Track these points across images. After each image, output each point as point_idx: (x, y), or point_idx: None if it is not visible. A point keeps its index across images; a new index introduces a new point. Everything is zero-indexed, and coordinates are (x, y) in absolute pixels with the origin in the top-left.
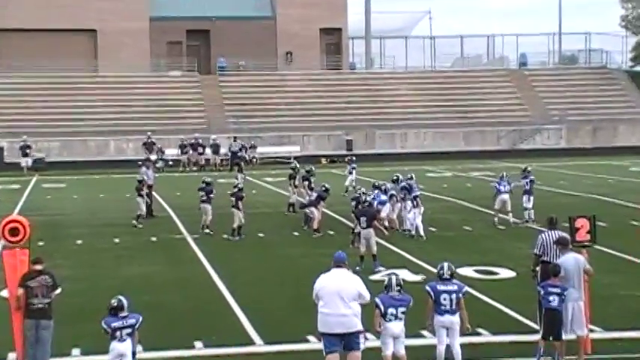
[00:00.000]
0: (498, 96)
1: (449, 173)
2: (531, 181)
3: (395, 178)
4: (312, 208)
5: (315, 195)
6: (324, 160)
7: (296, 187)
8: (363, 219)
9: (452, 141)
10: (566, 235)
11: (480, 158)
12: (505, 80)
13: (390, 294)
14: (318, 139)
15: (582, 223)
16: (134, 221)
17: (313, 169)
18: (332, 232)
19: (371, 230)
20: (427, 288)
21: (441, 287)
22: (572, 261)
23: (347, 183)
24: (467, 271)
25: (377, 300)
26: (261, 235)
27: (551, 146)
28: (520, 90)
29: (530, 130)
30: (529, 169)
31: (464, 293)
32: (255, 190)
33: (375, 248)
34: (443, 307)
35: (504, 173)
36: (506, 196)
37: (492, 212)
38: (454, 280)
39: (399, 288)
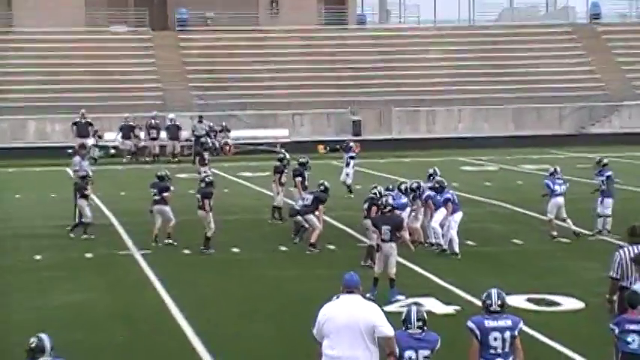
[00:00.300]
0: (561, 61)
1: (493, 166)
2: (608, 178)
3: (432, 172)
4: (309, 216)
5: (310, 197)
6: (322, 149)
7: (283, 185)
8: (386, 228)
9: (497, 122)
10: None
11: (536, 146)
12: (570, 39)
13: (409, 331)
14: (315, 119)
15: None
16: (71, 232)
17: (308, 161)
18: (332, 247)
19: (394, 245)
20: (470, 325)
21: (489, 323)
22: None
23: (342, 178)
24: (517, 301)
25: None
26: (235, 250)
27: (633, 129)
28: (591, 52)
29: (605, 107)
30: (605, 161)
31: (520, 331)
32: (227, 188)
33: (394, 270)
34: (493, 351)
35: (556, 167)
36: (561, 199)
37: (547, 219)
38: (506, 314)
39: (421, 324)
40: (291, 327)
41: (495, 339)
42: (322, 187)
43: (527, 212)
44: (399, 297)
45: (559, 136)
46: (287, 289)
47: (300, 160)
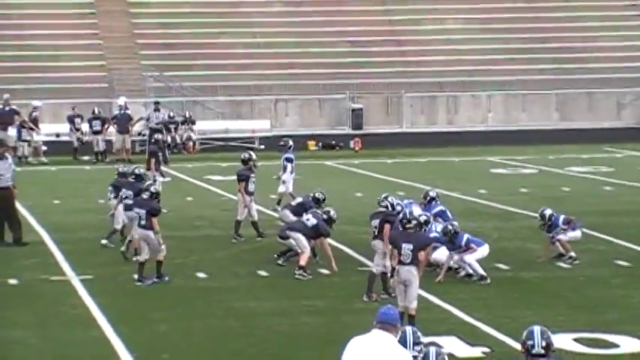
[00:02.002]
0: (620, 33)
1: (532, 169)
2: None
3: (433, 195)
4: (298, 235)
5: (311, 219)
6: (313, 145)
7: (249, 193)
8: (407, 247)
9: (537, 112)
10: None
11: (587, 142)
12: (633, 5)
13: None
14: (303, 107)
15: None
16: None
17: (252, 156)
18: (326, 272)
19: (415, 270)
20: None
21: None
22: None
23: (280, 190)
24: (563, 341)
25: None
26: (200, 275)
27: None
28: None
29: None
30: None
31: None
32: (191, 196)
33: (415, 303)
34: None
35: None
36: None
37: (603, 237)
38: (553, 358)
39: None
40: None
41: None
42: (326, 216)
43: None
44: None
45: (617, 130)
46: (265, 325)
47: (243, 156)
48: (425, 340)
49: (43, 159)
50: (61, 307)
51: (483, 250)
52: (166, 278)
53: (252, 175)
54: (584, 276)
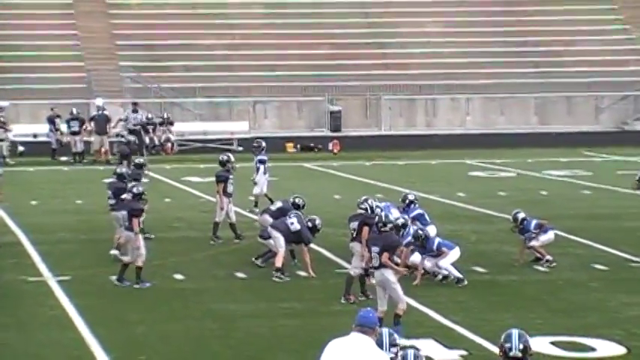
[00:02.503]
0: (598, 38)
1: (510, 172)
2: None
3: (412, 198)
4: (276, 233)
5: (295, 224)
6: (291, 148)
7: (227, 195)
8: (375, 250)
9: (516, 116)
10: None
11: (565, 146)
12: (611, 9)
13: None
14: (282, 110)
15: None
16: None
17: (230, 158)
18: (303, 274)
19: (387, 272)
20: None
21: None
22: None
23: (255, 191)
24: (540, 345)
25: None
26: (178, 277)
27: None
28: (637, 28)
29: None
30: None
31: None
32: (169, 197)
33: (403, 305)
34: None
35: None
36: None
37: (581, 240)
38: None
39: None
40: None
41: None
42: (310, 224)
43: (555, 231)
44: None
45: (595, 134)
46: (243, 327)
47: (221, 158)
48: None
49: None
50: (38, 308)
51: (455, 254)
52: (147, 284)
53: (231, 177)
54: (563, 280)
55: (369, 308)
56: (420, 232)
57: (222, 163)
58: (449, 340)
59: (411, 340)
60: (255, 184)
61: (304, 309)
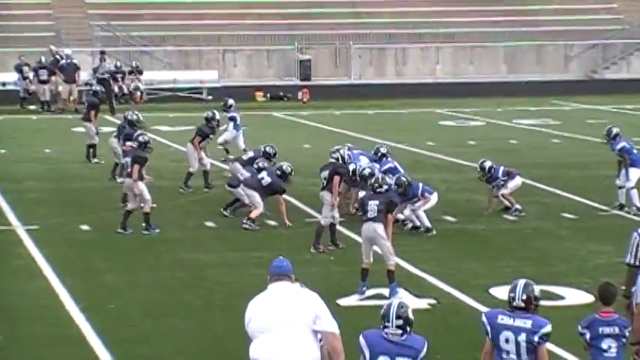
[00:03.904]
0: None
1: (480, 121)
2: (621, 150)
3: (384, 151)
4: (251, 191)
5: (265, 178)
6: (261, 96)
7: (202, 148)
8: (373, 203)
9: (485, 65)
10: None
11: (535, 94)
12: None
13: (386, 331)
14: (252, 58)
15: None
16: None
17: (215, 115)
18: (273, 223)
19: (379, 227)
20: (482, 318)
21: (503, 320)
22: None
23: (223, 138)
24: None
25: (361, 340)
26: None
27: None
28: None
29: (623, 45)
30: (615, 131)
31: (543, 337)
32: None
33: (392, 260)
34: (505, 356)
35: None
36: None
37: (550, 189)
38: (531, 313)
39: (402, 323)
40: (216, 326)
41: (507, 340)
42: (279, 172)
43: (523, 180)
44: (400, 293)
45: (564, 83)
46: (213, 277)
47: (207, 114)
48: (376, 291)
49: None
50: (7, 257)
51: (434, 199)
52: (156, 230)
53: (212, 136)
54: (531, 228)
55: (281, 257)
56: (403, 178)
57: (208, 120)
58: (418, 289)
59: (380, 289)
60: (226, 142)
61: (274, 258)
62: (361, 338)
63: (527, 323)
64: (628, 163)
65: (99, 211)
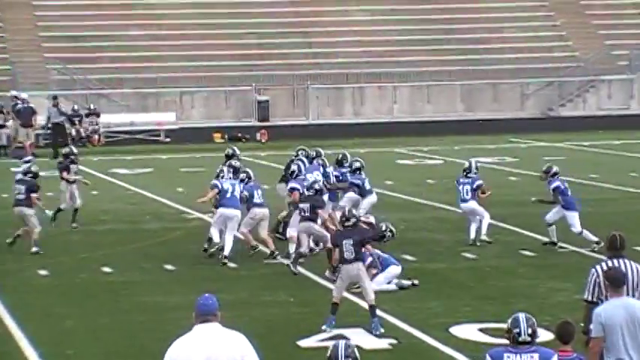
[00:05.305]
0: (524, 24)
1: (437, 159)
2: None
3: (340, 157)
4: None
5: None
6: (219, 138)
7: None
8: (348, 244)
9: (443, 103)
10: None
11: (492, 132)
12: None
13: None
14: (209, 100)
15: None
16: None
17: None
18: (232, 265)
19: (359, 264)
20: (488, 358)
21: (509, 358)
22: (620, 313)
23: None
24: (469, 331)
25: None
26: (106, 270)
27: (613, 111)
28: (561, 14)
29: (579, 83)
30: (555, 170)
31: None
32: (96, 190)
33: (372, 295)
34: None
35: (471, 161)
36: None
37: (508, 227)
38: (535, 346)
39: None
40: None
41: None
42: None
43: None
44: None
45: (521, 120)
46: (173, 320)
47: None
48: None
49: None
50: None
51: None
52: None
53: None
54: (490, 266)
55: (207, 295)
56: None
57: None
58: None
59: (341, 330)
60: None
61: (235, 300)
62: None
63: (535, 357)
64: (561, 204)
65: (57, 255)
